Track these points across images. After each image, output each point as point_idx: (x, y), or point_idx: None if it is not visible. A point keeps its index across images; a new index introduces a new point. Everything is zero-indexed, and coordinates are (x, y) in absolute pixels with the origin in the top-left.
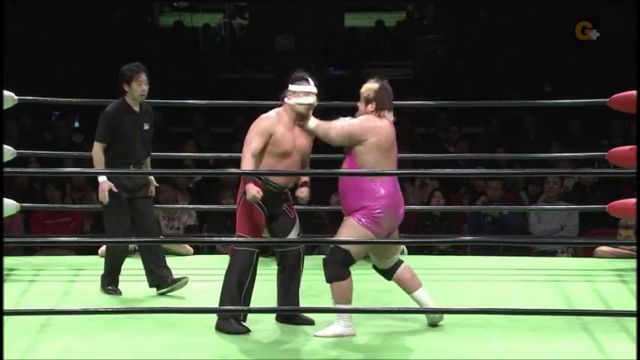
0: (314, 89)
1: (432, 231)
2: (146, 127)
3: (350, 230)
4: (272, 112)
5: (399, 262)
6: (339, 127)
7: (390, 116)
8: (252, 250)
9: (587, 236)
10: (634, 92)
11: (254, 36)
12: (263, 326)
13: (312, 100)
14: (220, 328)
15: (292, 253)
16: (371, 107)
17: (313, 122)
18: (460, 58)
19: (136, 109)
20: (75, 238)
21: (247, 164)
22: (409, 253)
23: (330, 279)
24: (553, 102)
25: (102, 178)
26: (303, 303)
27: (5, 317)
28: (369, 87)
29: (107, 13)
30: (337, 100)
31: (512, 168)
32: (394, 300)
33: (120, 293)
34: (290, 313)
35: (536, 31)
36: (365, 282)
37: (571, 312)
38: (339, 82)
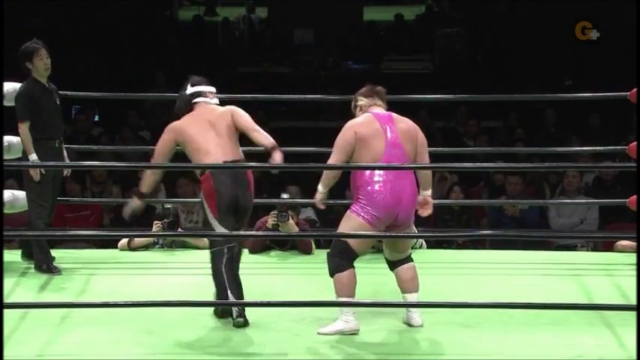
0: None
1: (451, 225)
2: (58, 102)
3: (345, 220)
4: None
5: (408, 259)
6: (333, 155)
7: (379, 109)
8: (223, 247)
9: (607, 230)
10: None
11: (273, 30)
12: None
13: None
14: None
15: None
16: (359, 112)
17: (321, 187)
18: (479, 51)
19: (46, 85)
20: (95, 232)
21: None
22: (428, 247)
23: (330, 272)
24: (573, 95)
25: (33, 157)
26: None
27: (26, 310)
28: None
29: (126, 7)
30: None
31: (531, 162)
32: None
33: (60, 271)
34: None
35: (555, 25)
36: (375, 276)
37: (591, 306)
38: (358, 75)
